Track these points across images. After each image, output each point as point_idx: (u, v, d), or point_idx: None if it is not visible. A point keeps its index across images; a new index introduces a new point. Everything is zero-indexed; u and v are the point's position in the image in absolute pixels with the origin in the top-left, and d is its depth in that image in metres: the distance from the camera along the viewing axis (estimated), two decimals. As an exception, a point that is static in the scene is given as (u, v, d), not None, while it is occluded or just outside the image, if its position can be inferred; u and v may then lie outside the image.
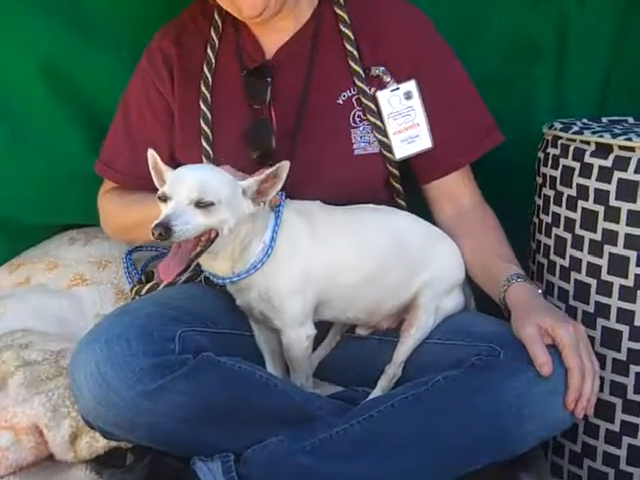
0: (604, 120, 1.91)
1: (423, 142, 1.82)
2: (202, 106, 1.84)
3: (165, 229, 1.47)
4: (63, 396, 1.74)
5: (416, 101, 1.81)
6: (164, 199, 1.54)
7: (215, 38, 1.87)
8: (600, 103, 2.17)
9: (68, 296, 2.12)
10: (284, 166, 1.57)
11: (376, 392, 1.71)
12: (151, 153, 1.62)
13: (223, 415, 1.58)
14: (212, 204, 1.52)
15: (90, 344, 1.58)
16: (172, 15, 1.94)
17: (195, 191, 1.52)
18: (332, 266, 1.68)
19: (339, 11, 1.84)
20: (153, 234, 1.47)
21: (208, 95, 1.84)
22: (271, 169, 1.58)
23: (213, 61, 1.86)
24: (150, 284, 1.88)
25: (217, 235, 1.56)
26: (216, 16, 1.88)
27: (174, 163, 1.74)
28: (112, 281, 2.15)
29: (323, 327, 1.79)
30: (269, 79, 1.80)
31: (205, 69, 1.86)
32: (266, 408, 1.61)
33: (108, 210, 1.99)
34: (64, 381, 1.76)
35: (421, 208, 1.88)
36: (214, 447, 1.57)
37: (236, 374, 1.60)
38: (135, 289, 1.90)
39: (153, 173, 1.63)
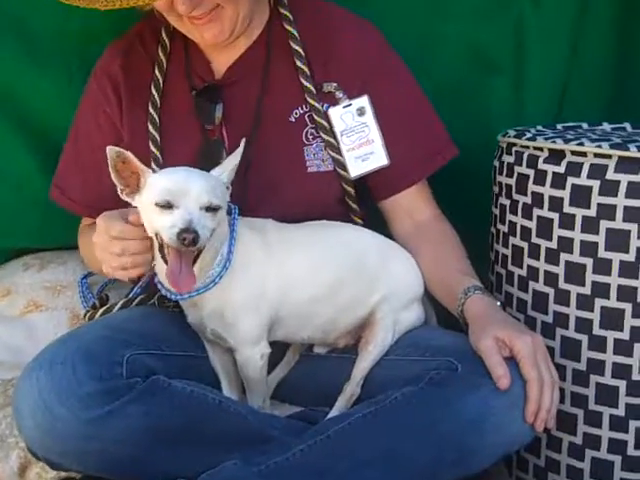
0: (559, 127, 1.90)
1: (378, 159, 1.79)
2: (150, 128, 1.80)
3: (195, 235, 1.43)
4: (11, 426, 1.72)
5: (369, 117, 1.78)
6: (167, 206, 1.47)
7: (163, 58, 1.84)
8: (557, 112, 2.16)
9: (22, 323, 2.09)
10: (243, 143, 1.62)
11: (334, 411, 1.67)
12: (114, 149, 1.51)
13: (175, 440, 1.54)
14: (219, 207, 1.51)
15: (34, 371, 1.54)
16: (120, 31, 1.91)
17: (205, 196, 1.49)
18: (286, 282, 1.65)
19: (288, 27, 1.81)
20: (181, 240, 1.43)
21: (156, 116, 1.81)
22: (236, 153, 1.60)
23: (161, 81, 1.82)
24: (103, 308, 1.83)
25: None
26: (163, 35, 1.85)
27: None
28: (67, 306, 2.12)
29: (281, 347, 1.75)
30: (219, 99, 1.77)
31: (153, 90, 1.82)
32: (220, 431, 1.57)
33: (84, 251, 1.95)
34: (12, 411, 1.72)
35: (378, 225, 1.85)
36: (166, 472, 1.54)
37: (187, 397, 1.56)
38: (88, 314, 1.85)
39: (113, 172, 1.54)
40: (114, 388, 1.52)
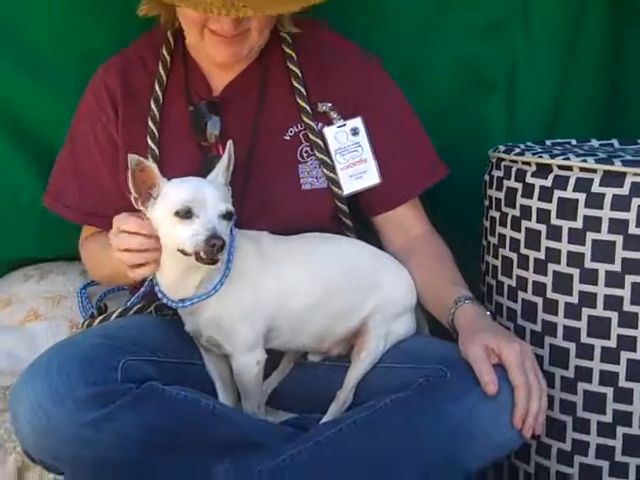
0: (548, 143, 1.94)
1: (371, 177, 1.83)
2: (149, 142, 1.82)
3: (223, 241, 1.47)
4: (9, 431, 1.72)
5: (363, 137, 1.82)
6: (187, 216, 1.51)
7: (163, 74, 1.87)
8: (550, 129, 2.19)
9: (21, 332, 2.10)
10: (230, 145, 1.63)
11: (327, 418, 1.69)
12: (134, 157, 1.55)
13: (168, 444, 1.56)
14: (232, 214, 1.55)
15: (30, 376, 1.56)
16: (120, 47, 1.94)
17: (222, 204, 1.53)
18: (281, 292, 1.68)
19: (287, 49, 1.85)
20: (210, 246, 1.46)
21: (156, 131, 1.83)
22: (225, 155, 1.63)
23: (161, 97, 1.85)
24: (101, 317, 1.85)
25: None
26: (164, 52, 1.88)
27: (121, 196, 1.71)
28: (67, 316, 2.13)
29: (275, 355, 1.77)
30: (215, 115, 1.80)
31: (152, 105, 1.84)
32: (212, 436, 1.58)
33: (87, 261, 1.98)
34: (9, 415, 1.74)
35: (370, 241, 1.87)
36: (159, 477, 1.55)
37: (181, 402, 1.58)
38: (86, 323, 1.88)
39: (131, 180, 1.56)
40: (108, 392, 1.53)
